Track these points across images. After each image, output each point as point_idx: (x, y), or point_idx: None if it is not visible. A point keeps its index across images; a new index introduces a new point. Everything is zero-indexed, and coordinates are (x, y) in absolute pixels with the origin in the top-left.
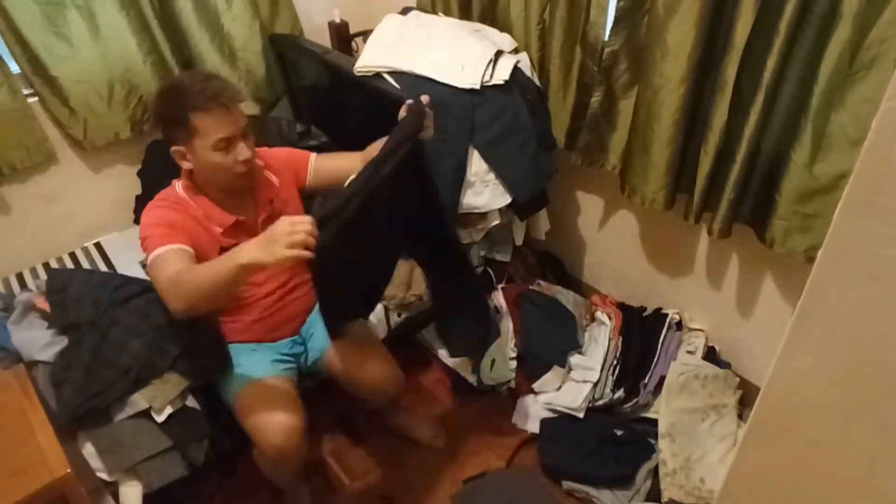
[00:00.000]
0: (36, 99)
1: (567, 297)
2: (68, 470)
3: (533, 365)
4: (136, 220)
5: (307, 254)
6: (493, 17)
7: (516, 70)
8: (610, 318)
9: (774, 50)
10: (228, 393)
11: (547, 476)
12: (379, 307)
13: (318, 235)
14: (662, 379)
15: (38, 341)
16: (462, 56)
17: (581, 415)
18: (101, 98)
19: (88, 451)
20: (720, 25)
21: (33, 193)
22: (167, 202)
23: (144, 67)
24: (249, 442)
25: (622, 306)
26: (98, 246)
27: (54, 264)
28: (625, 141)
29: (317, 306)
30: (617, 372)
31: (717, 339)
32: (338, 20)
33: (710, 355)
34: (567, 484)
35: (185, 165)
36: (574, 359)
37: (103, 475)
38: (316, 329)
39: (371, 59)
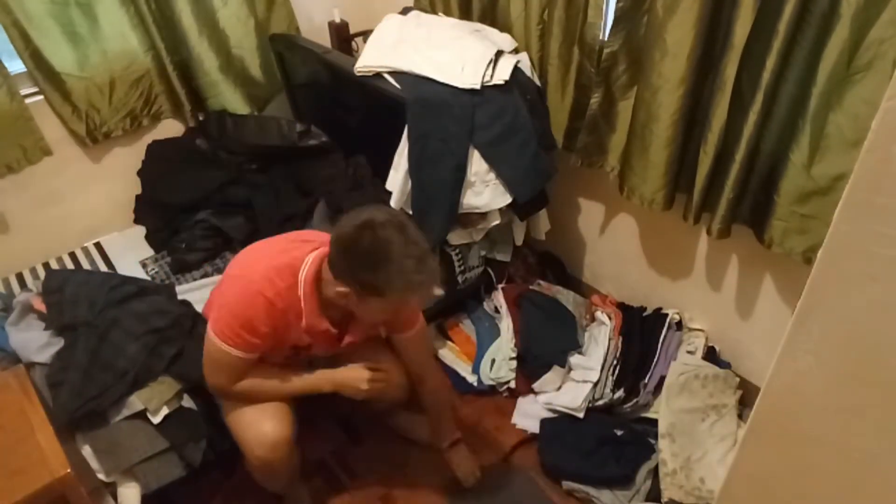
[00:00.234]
0: (34, 99)
1: (567, 297)
2: (68, 470)
3: (533, 365)
4: (136, 220)
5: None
6: (493, 17)
7: (516, 70)
8: (610, 318)
9: (773, 50)
10: (219, 398)
11: (547, 476)
12: None
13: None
14: (662, 379)
15: (35, 342)
16: (462, 56)
17: (581, 415)
18: (103, 94)
19: (86, 452)
20: (719, 26)
21: (33, 193)
22: (275, 292)
23: (145, 64)
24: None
25: (622, 306)
26: (98, 246)
27: (54, 264)
28: (624, 142)
29: None
30: (617, 372)
31: (717, 339)
32: (338, 20)
33: (710, 355)
34: (567, 484)
35: (340, 301)
36: (574, 359)
37: (101, 476)
38: None
39: (371, 59)
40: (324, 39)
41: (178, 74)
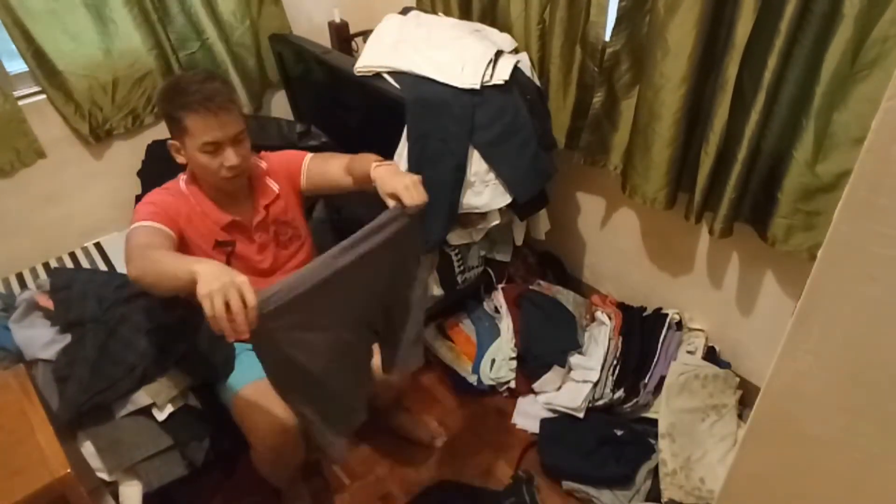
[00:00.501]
0: (35, 99)
1: (567, 297)
2: (68, 470)
3: (533, 365)
4: None
5: (233, 334)
6: (493, 17)
7: (516, 70)
8: (610, 318)
9: (775, 49)
10: (227, 393)
11: (547, 476)
12: None
13: (258, 323)
14: (662, 379)
15: (41, 339)
16: (462, 56)
17: (581, 415)
18: (106, 93)
19: (88, 450)
20: (721, 25)
21: (33, 194)
22: (168, 191)
23: (148, 62)
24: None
25: (622, 306)
26: (98, 246)
27: (54, 264)
28: (626, 141)
29: None
30: (617, 372)
31: (717, 339)
32: (338, 20)
33: (710, 355)
34: (567, 484)
35: (179, 159)
36: (574, 359)
37: (103, 475)
38: None
39: (371, 59)
40: (324, 39)
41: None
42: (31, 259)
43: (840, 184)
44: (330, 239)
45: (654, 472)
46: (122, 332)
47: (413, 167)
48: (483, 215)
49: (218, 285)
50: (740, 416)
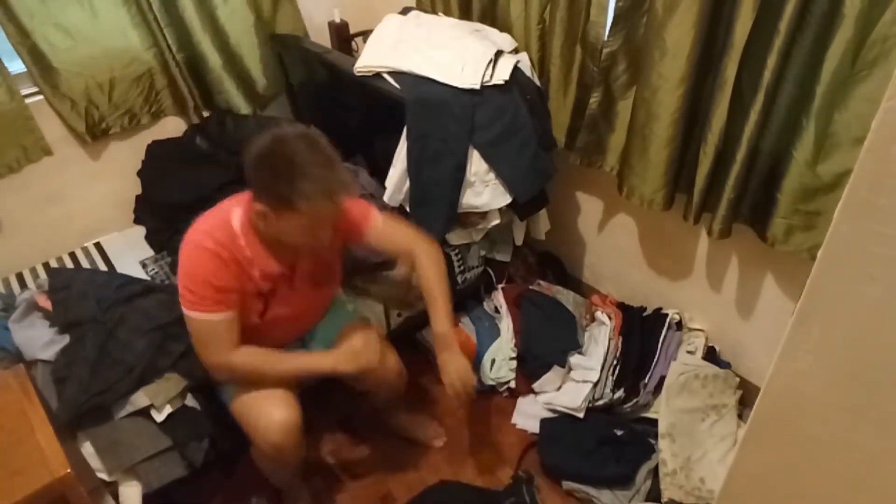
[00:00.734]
0: (33, 99)
1: (567, 297)
2: (68, 470)
3: (533, 365)
4: (137, 221)
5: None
6: (493, 17)
7: (516, 70)
8: (610, 318)
9: (774, 49)
10: (227, 392)
11: (547, 476)
12: (379, 306)
13: None
14: (662, 379)
15: (40, 340)
16: (462, 56)
17: (581, 415)
18: (103, 91)
19: (88, 450)
20: (719, 25)
21: (33, 193)
22: (215, 241)
23: (146, 61)
24: (249, 441)
25: (622, 306)
26: (98, 246)
27: (54, 264)
28: (623, 141)
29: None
30: (617, 372)
31: (717, 339)
32: (338, 20)
33: (710, 355)
34: (567, 484)
35: (260, 225)
36: (574, 359)
37: (103, 475)
38: (317, 332)
39: (371, 59)
40: (324, 39)
41: (186, 70)
42: (31, 259)
43: (841, 184)
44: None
45: (654, 472)
46: (121, 332)
47: (413, 167)
48: (483, 215)
49: (363, 354)
50: (740, 416)
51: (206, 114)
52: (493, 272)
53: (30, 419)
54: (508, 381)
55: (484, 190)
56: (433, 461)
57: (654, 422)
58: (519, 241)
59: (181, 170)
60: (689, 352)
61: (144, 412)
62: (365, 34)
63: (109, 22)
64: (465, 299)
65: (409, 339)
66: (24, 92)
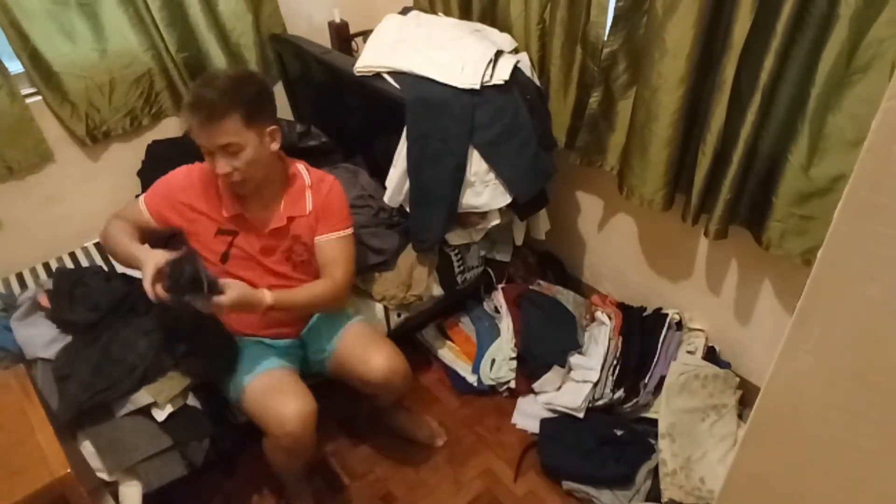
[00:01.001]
0: (35, 100)
1: (567, 297)
2: (68, 470)
3: (533, 365)
4: None
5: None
6: (493, 17)
7: (516, 70)
8: (610, 318)
9: (772, 50)
10: (235, 386)
11: (547, 476)
12: (379, 307)
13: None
14: (662, 379)
15: (42, 338)
16: (462, 56)
17: (581, 415)
18: (103, 94)
19: (88, 450)
20: (718, 25)
21: (33, 193)
22: (199, 168)
23: (145, 62)
24: (252, 440)
25: (622, 306)
26: (98, 246)
27: (54, 264)
28: (623, 141)
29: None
30: (617, 372)
31: (717, 339)
32: (338, 20)
33: (710, 355)
34: (567, 484)
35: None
36: (574, 359)
37: (103, 475)
38: (316, 333)
39: (371, 59)
40: (324, 39)
41: (186, 71)
42: (31, 259)
43: (834, 188)
44: None
45: (654, 472)
46: (123, 332)
47: (413, 167)
48: (483, 215)
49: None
50: (740, 416)
51: None
52: (493, 272)
53: (30, 419)
54: (508, 381)
55: (484, 190)
56: (433, 461)
57: (654, 422)
58: (519, 241)
59: None
60: (689, 352)
61: (145, 411)
62: (365, 34)
63: (108, 24)
64: (465, 299)
65: (410, 339)
66: (25, 92)
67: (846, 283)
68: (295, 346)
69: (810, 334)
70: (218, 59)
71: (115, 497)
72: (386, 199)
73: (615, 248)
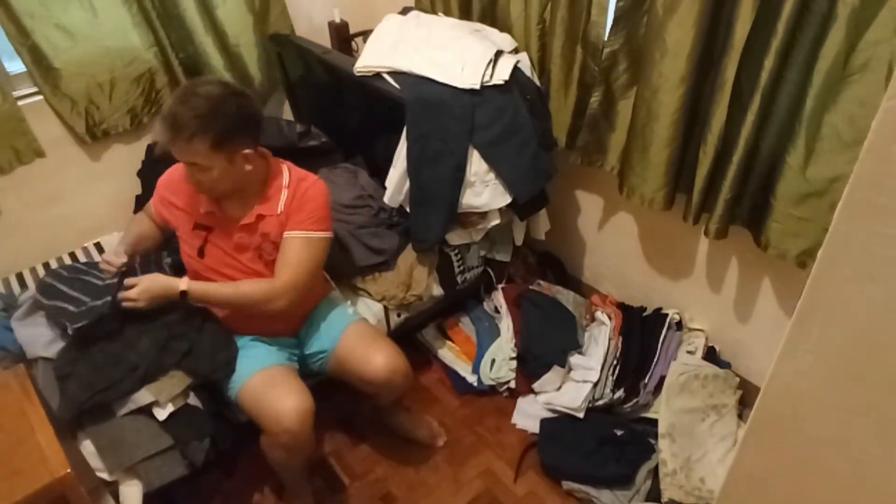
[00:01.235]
0: (33, 100)
1: (567, 297)
2: (68, 470)
3: (533, 365)
4: None
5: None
6: (493, 17)
7: (516, 70)
8: (610, 318)
9: (772, 51)
10: (234, 384)
11: (547, 476)
12: (378, 307)
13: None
14: (662, 379)
15: (42, 338)
16: (462, 56)
17: (581, 415)
18: (103, 91)
19: (88, 450)
20: (719, 25)
21: (33, 193)
22: (175, 168)
23: (146, 60)
24: (252, 440)
25: (622, 306)
26: (98, 246)
27: (54, 264)
28: (624, 141)
29: (314, 311)
30: (617, 372)
31: (717, 339)
32: (338, 20)
33: (710, 355)
34: (567, 484)
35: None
36: (574, 359)
37: (103, 475)
38: (316, 332)
39: (371, 59)
40: (324, 39)
41: (185, 71)
42: (32, 259)
43: (830, 189)
44: None
45: (654, 472)
46: (124, 332)
47: (413, 167)
48: (483, 215)
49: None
50: (740, 416)
51: None
52: (493, 272)
53: (30, 419)
54: (508, 381)
55: (484, 190)
56: (433, 461)
57: (654, 422)
58: (519, 241)
59: None
60: (689, 352)
61: (146, 411)
62: (365, 34)
63: (110, 21)
64: (465, 299)
65: (410, 339)
66: (22, 93)
67: (846, 283)
68: (293, 344)
69: (810, 334)
70: (215, 59)
71: (116, 497)
72: (386, 199)
73: (615, 248)
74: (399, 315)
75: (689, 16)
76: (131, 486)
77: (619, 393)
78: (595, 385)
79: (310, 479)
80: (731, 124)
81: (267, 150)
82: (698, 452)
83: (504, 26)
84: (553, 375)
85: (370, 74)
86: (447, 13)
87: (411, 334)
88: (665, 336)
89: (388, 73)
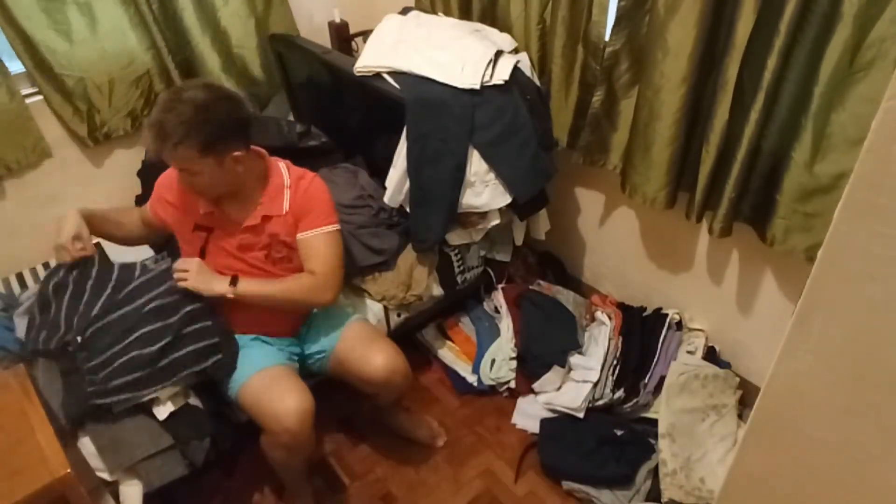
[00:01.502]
0: (34, 99)
1: (567, 297)
2: (68, 470)
3: (533, 365)
4: None
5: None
6: (493, 16)
7: (516, 70)
8: (610, 318)
9: (775, 50)
10: (234, 383)
11: (547, 476)
12: (378, 307)
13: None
14: (662, 379)
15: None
16: (462, 56)
17: (581, 415)
18: (102, 94)
19: (88, 450)
20: (721, 25)
21: (33, 193)
22: (173, 169)
23: (145, 62)
24: (252, 440)
25: (622, 306)
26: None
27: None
28: (626, 140)
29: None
30: (617, 372)
31: (717, 339)
32: (338, 20)
33: (710, 355)
34: (567, 484)
35: None
36: (574, 359)
37: (104, 474)
38: (316, 332)
39: (371, 59)
40: (324, 39)
41: (182, 73)
42: (31, 259)
43: (838, 185)
44: None
45: (654, 472)
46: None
47: (413, 167)
48: (483, 215)
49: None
50: (740, 416)
51: None
52: (493, 272)
53: (30, 419)
54: (508, 381)
55: (484, 190)
56: (433, 461)
57: (654, 422)
58: (519, 241)
59: None
60: (689, 352)
61: (146, 410)
62: (365, 34)
63: (108, 23)
64: (465, 299)
65: (410, 339)
66: (25, 92)
67: (846, 283)
68: (294, 344)
69: (810, 334)
70: (212, 60)
71: (116, 497)
72: (386, 199)
73: (615, 248)
74: (399, 315)
75: (690, 16)
76: (131, 486)
77: (619, 393)
78: (595, 385)
79: (310, 479)
80: (733, 123)
81: (263, 149)
82: (698, 452)
83: (504, 26)
84: (553, 375)
85: (370, 74)
86: (447, 13)
87: (411, 334)
88: (665, 336)
89: (388, 73)
